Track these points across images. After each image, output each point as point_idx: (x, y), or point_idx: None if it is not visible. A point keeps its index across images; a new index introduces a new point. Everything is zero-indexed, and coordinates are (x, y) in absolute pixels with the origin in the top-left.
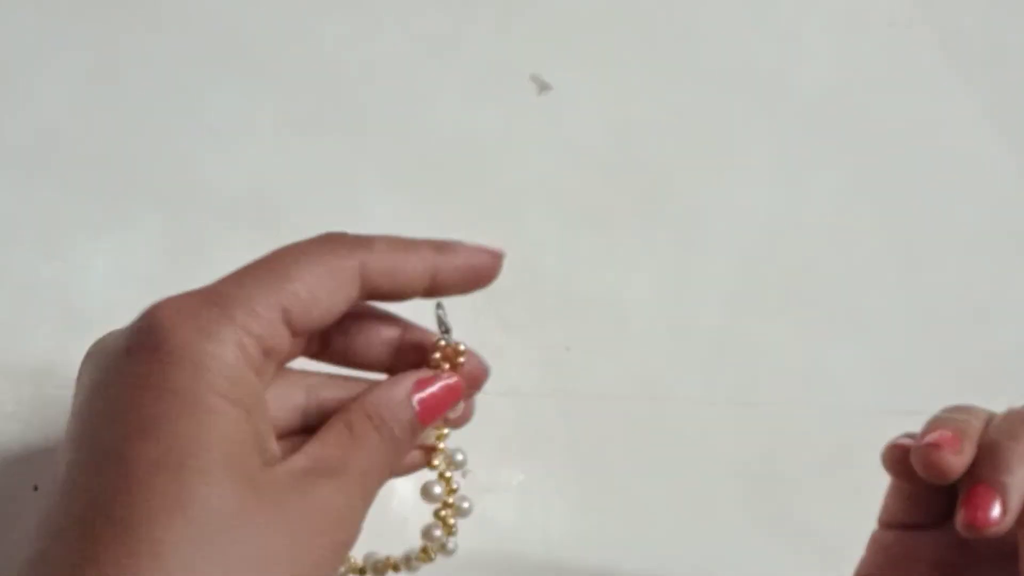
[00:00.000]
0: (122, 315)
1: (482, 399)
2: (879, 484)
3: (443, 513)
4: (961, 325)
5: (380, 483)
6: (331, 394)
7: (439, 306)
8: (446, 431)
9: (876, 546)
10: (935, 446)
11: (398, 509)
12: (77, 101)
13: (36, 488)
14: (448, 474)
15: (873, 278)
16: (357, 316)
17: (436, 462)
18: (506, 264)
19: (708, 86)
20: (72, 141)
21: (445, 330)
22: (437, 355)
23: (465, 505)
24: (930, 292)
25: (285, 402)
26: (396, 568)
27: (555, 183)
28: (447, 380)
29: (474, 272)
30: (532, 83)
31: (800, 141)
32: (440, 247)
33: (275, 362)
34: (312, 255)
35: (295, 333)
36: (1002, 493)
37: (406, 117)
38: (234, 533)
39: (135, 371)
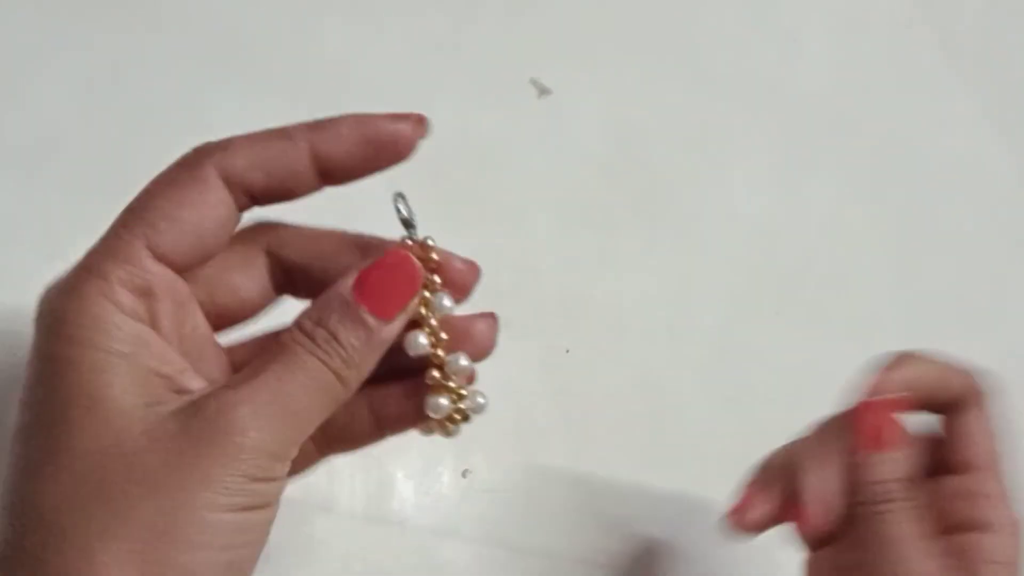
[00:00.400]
0: None
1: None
2: None
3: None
4: (960, 326)
5: (319, 394)
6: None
7: (398, 197)
8: (443, 335)
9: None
10: (732, 521)
11: (398, 509)
12: (78, 102)
13: None
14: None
15: (872, 279)
16: (315, 241)
17: (434, 374)
18: (506, 265)
19: (707, 88)
20: (73, 142)
21: (407, 224)
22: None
23: (480, 400)
24: (929, 293)
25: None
26: None
27: (555, 185)
28: (396, 260)
29: (371, 142)
30: (532, 87)
31: (799, 142)
32: (315, 124)
33: (169, 301)
34: (164, 177)
35: (177, 263)
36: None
37: None
38: (102, 473)
39: (31, 350)
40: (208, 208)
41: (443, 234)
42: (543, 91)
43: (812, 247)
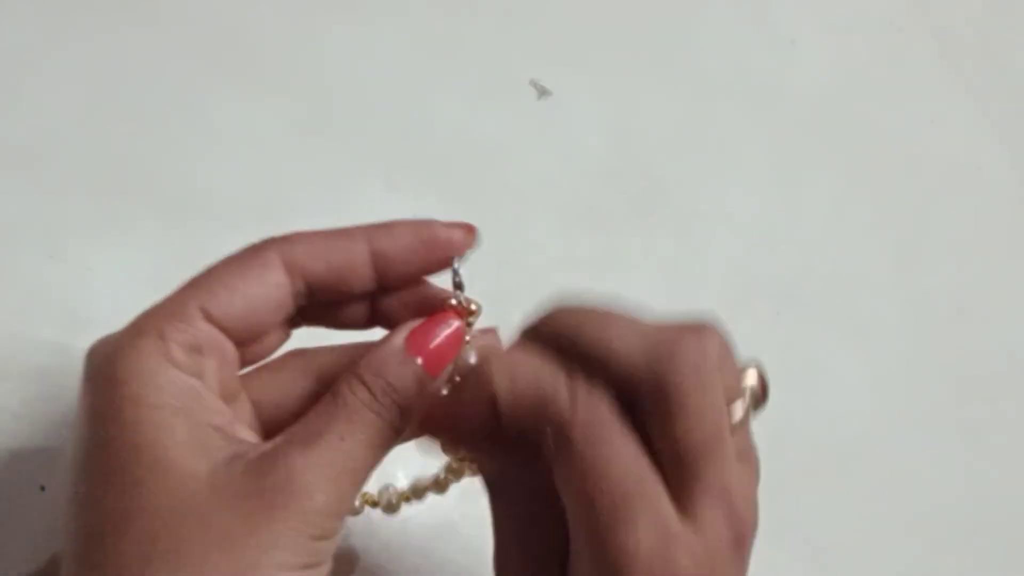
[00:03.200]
0: (125, 317)
1: None
2: (877, 485)
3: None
4: (958, 326)
5: (376, 447)
6: (341, 365)
7: (454, 264)
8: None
9: None
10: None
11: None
12: (80, 104)
13: (43, 488)
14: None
15: (870, 280)
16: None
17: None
18: (506, 265)
19: (706, 89)
20: (75, 145)
21: (458, 286)
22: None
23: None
24: (927, 293)
25: (287, 391)
26: (412, 497)
27: (555, 186)
28: (445, 322)
29: (426, 244)
30: (532, 88)
31: (798, 143)
32: (374, 225)
33: (216, 359)
34: (229, 257)
35: (227, 328)
36: None
37: (407, 122)
38: (179, 532)
39: (81, 408)
40: (264, 286)
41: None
42: (543, 92)
43: (811, 247)
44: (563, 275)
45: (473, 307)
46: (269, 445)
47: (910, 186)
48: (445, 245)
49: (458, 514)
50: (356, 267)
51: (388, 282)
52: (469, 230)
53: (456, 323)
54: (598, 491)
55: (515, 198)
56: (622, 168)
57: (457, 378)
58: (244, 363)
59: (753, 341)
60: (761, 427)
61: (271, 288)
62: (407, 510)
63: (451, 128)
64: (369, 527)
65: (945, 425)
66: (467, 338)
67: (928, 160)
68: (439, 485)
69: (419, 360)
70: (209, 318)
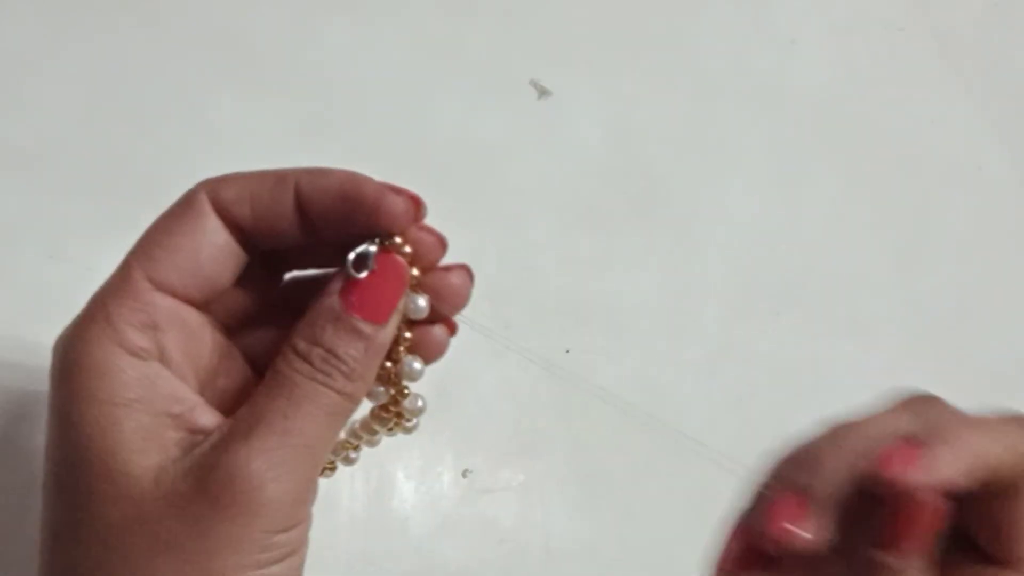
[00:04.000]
0: None
1: (482, 399)
2: None
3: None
4: (959, 326)
5: (327, 420)
6: None
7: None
8: (407, 335)
9: None
10: (780, 530)
11: (398, 509)
12: (81, 104)
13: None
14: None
15: (871, 280)
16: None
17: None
18: (506, 265)
19: (706, 90)
20: (75, 145)
21: (359, 266)
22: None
23: (420, 403)
24: (928, 293)
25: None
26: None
27: (555, 187)
28: (381, 260)
29: (350, 201)
30: (532, 88)
31: (798, 143)
32: (310, 169)
33: (177, 331)
34: (164, 212)
35: (180, 293)
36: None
37: (407, 122)
38: (128, 542)
39: (50, 410)
40: (202, 235)
41: (445, 235)
42: (543, 92)
43: (811, 247)
44: (563, 275)
45: (398, 241)
46: (216, 436)
47: (910, 186)
48: (373, 206)
49: (458, 514)
50: (280, 211)
51: (315, 233)
52: (412, 200)
53: (393, 260)
54: None
55: (515, 198)
56: (622, 168)
57: (410, 319)
58: (228, 316)
59: (753, 341)
60: (762, 426)
61: (209, 236)
62: (409, 510)
63: (451, 128)
64: (368, 527)
65: None
66: (415, 272)
67: (928, 160)
68: (376, 420)
69: (357, 315)
70: (159, 286)
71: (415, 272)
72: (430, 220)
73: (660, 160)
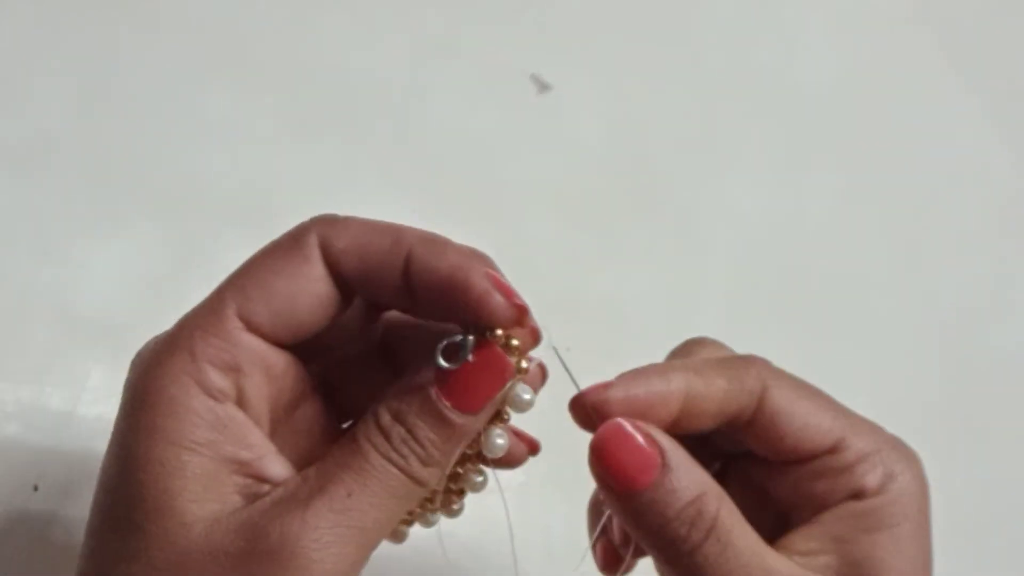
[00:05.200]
0: (120, 317)
1: None
2: None
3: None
4: (960, 325)
5: (391, 504)
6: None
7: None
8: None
9: None
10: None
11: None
12: (75, 103)
13: (36, 488)
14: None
15: (872, 278)
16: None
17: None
18: (505, 262)
19: (707, 86)
20: (70, 144)
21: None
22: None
23: (479, 479)
24: (929, 292)
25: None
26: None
27: (555, 182)
28: (486, 353)
29: (457, 289)
30: (532, 83)
31: (799, 141)
32: (432, 237)
33: (259, 375)
34: (269, 245)
35: (269, 335)
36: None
37: (406, 117)
38: None
39: (117, 432)
40: (304, 282)
41: (442, 230)
42: (543, 87)
43: (811, 246)
44: (563, 273)
45: (514, 343)
46: (278, 494)
47: (912, 185)
48: (476, 301)
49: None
50: (389, 272)
51: (415, 307)
52: (517, 308)
53: (497, 354)
54: None
55: (515, 194)
56: (623, 164)
57: (507, 415)
58: (318, 352)
59: (753, 341)
60: None
61: (311, 283)
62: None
63: (450, 123)
64: None
65: (945, 425)
66: (523, 364)
67: (931, 159)
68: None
69: (448, 403)
70: (249, 326)
71: (524, 364)
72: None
73: (661, 156)
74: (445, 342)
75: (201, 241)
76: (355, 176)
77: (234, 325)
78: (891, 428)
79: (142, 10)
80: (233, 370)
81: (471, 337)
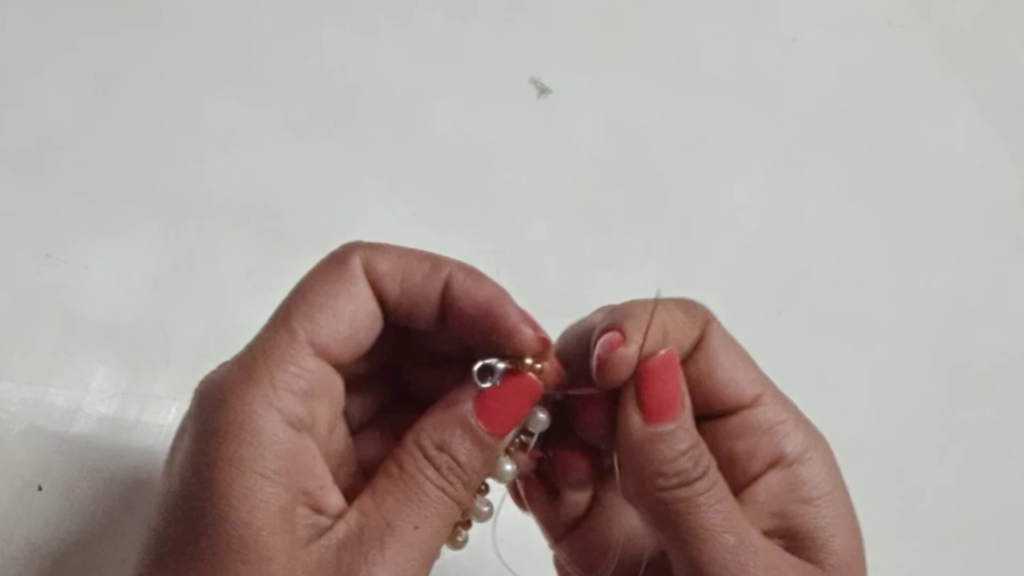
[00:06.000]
0: (124, 318)
1: None
2: (877, 485)
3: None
4: (958, 326)
5: (445, 528)
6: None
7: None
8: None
9: None
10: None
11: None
12: (79, 105)
13: (40, 488)
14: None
15: (870, 279)
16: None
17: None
18: (506, 264)
19: (706, 89)
20: (73, 145)
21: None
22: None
23: (485, 508)
24: (927, 293)
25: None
26: None
27: (554, 185)
28: (517, 379)
29: (489, 317)
30: (532, 86)
31: (798, 142)
32: (467, 267)
33: (327, 401)
34: (314, 271)
35: (335, 357)
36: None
37: (406, 120)
38: None
39: (181, 450)
40: (359, 300)
41: (443, 233)
42: (543, 91)
43: (812, 246)
44: (562, 275)
45: (528, 361)
46: (344, 531)
47: (911, 185)
48: (507, 331)
49: None
50: (426, 298)
51: (451, 330)
52: (541, 341)
53: (530, 381)
54: None
55: (515, 197)
56: (622, 167)
57: (522, 438)
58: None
59: (753, 341)
60: None
61: (365, 302)
62: None
63: (451, 127)
64: None
65: (945, 425)
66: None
67: (929, 159)
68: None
69: (484, 426)
70: (319, 352)
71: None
72: (429, 219)
73: (660, 159)
74: (480, 364)
75: (204, 243)
76: (356, 178)
77: (307, 351)
78: (889, 428)
79: (146, 13)
80: (309, 396)
81: (503, 364)
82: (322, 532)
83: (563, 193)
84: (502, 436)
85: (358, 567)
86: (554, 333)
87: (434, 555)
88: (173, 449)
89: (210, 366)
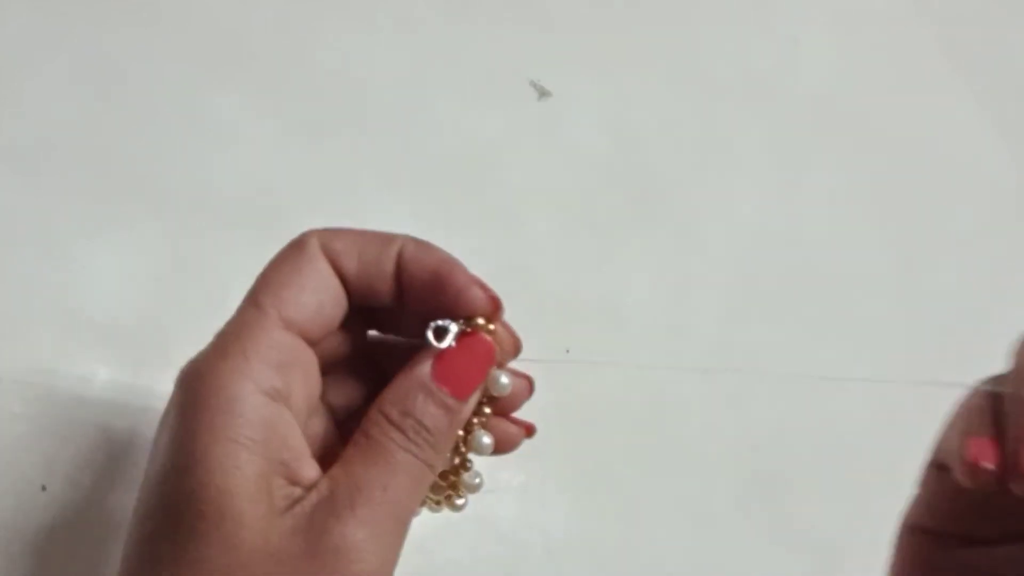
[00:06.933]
0: (125, 317)
1: None
2: (877, 485)
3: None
4: (958, 327)
5: (416, 490)
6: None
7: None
8: (486, 410)
9: (915, 557)
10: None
11: None
12: (79, 103)
13: (44, 488)
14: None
15: (871, 279)
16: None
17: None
18: (506, 266)
19: (706, 90)
20: (74, 143)
21: (439, 337)
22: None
23: (477, 480)
24: (928, 293)
25: (357, 392)
26: None
27: (555, 186)
28: (471, 340)
29: (439, 280)
30: (532, 88)
31: (798, 143)
32: (418, 240)
33: (300, 372)
34: (276, 256)
35: (305, 330)
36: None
37: (407, 122)
38: None
39: (162, 427)
40: (320, 276)
41: (443, 234)
42: (543, 93)
43: (812, 247)
44: (563, 275)
45: (481, 321)
46: (316, 498)
47: (911, 185)
48: (454, 295)
49: (458, 514)
50: (382, 270)
51: (407, 301)
52: (491, 300)
53: (484, 342)
54: None
55: (515, 198)
56: (622, 168)
57: (484, 414)
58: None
59: (752, 342)
60: (762, 427)
61: (326, 278)
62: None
63: (451, 128)
64: None
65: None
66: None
67: (930, 159)
68: (432, 488)
69: (446, 389)
70: (289, 325)
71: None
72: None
73: (660, 160)
74: (434, 325)
75: (205, 243)
76: (357, 179)
77: (277, 324)
78: (890, 428)
79: (147, 12)
80: (284, 367)
81: (455, 323)
82: (296, 502)
83: (563, 193)
84: (462, 398)
85: (331, 526)
86: (554, 335)
87: (408, 515)
88: (157, 433)
89: None
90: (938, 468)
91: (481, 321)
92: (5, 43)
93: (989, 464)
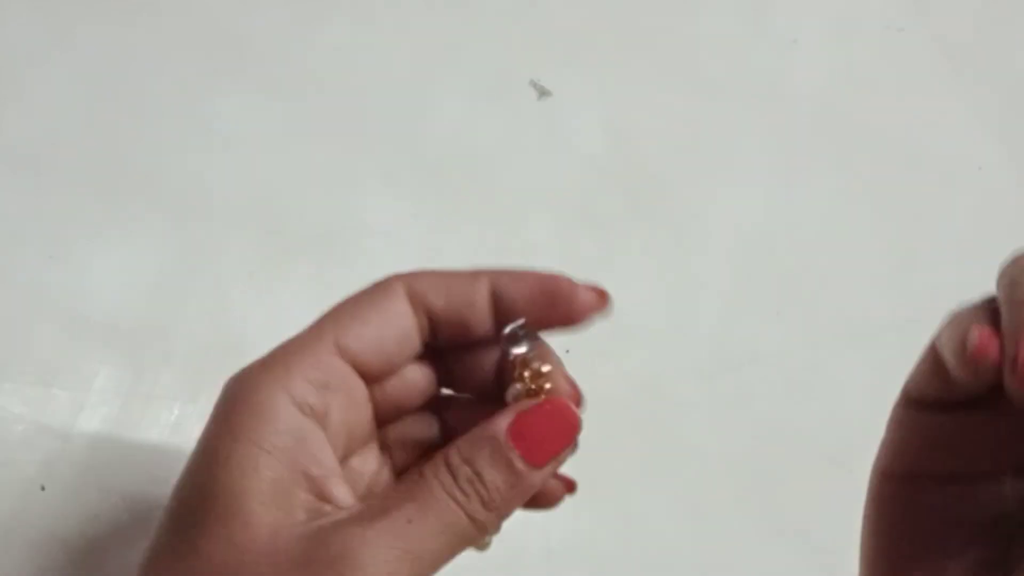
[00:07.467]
0: (127, 319)
1: None
2: None
3: None
4: None
5: (448, 539)
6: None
7: (519, 324)
8: None
9: (911, 430)
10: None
11: None
12: (82, 105)
13: (43, 488)
14: None
15: (870, 280)
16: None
17: None
18: (506, 265)
19: (706, 90)
20: (76, 145)
21: (513, 342)
22: (526, 375)
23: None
24: (927, 294)
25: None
26: None
27: (555, 186)
28: (559, 410)
29: (548, 295)
30: (532, 88)
31: (797, 143)
32: (500, 270)
33: (343, 397)
34: (357, 292)
35: (359, 361)
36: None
37: (408, 122)
38: None
39: (200, 439)
40: (392, 315)
41: (443, 234)
42: (543, 93)
43: (811, 247)
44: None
45: (544, 368)
46: (343, 515)
47: (910, 186)
48: (567, 300)
49: None
50: (475, 304)
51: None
52: (601, 295)
53: (568, 409)
54: None
55: (515, 198)
56: (622, 168)
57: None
58: (380, 406)
59: (751, 342)
60: (762, 427)
61: (398, 317)
62: None
63: (451, 128)
64: None
65: None
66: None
67: (928, 160)
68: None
69: (517, 451)
70: (342, 353)
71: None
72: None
73: (660, 160)
74: (509, 328)
75: (208, 244)
76: (357, 178)
77: (329, 347)
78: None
79: (150, 13)
80: (323, 387)
81: (522, 321)
82: (321, 515)
83: (563, 193)
84: (534, 464)
85: (335, 540)
86: (554, 335)
87: (428, 561)
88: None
89: (212, 366)
90: (908, 404)
91: (549, 386)
92: (5, 43)
93: (994, 351)
